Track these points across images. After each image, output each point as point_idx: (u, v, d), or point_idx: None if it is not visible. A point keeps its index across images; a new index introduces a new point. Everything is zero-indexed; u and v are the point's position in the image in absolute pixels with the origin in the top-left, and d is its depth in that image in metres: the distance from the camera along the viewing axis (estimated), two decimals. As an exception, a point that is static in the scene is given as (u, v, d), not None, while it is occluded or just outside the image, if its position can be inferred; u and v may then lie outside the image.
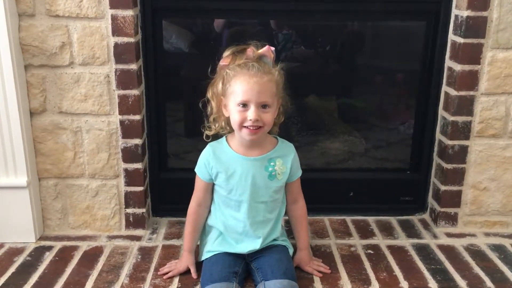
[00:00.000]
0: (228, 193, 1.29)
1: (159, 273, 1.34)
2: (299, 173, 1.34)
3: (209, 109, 1.29)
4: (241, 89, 1.18)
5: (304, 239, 1.38)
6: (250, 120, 1.18)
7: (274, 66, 1.24)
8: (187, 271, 1.34)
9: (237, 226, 1.30)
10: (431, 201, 1.67)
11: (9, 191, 1.45)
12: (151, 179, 1.63)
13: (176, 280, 1.32)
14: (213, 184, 1.31)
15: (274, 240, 1.34)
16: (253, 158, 1.27)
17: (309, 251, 1.41)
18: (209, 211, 1.35)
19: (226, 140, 1.30)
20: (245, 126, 1.20)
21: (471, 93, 1.49)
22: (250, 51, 1.22)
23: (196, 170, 1.32)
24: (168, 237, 1.55)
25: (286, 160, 1.30)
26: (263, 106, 1.19)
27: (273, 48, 1.25)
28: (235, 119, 1.21)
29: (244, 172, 1.26)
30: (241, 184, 1.27)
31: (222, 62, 1.25)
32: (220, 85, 1.23)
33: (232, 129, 1.26)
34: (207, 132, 1.30)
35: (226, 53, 1.25)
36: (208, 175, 1.29)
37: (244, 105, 1.19)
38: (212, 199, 1.34)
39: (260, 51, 1.23)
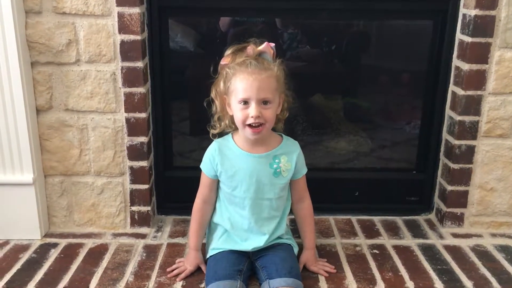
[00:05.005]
0: (233, 190, 1.29)
1: (169, 275, 1.32)
2: (304, 170, 1.34)
3: (213, 108, 1.29)
4: (241, 86, 1.19)
5: (310, 239, 1.38)
6: (252, 117, 1.18)
7: (274, 62, 1.24)
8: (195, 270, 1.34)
9: (243, 223, 1.30)
10: (437, 201, 1.67)
11: (15, 188, 1.45)
12: (156, 177, 1.63)
13: (181, 278, 1.32)
14: (218, 181, 1.32)
15: (279, 238, 1.34)
16: (258, 155, 1.27)
17: (315, 250, 1.40)
18: (214, 209, 1.35)
19: (232, 137, 1.30)
20: (248, 125, 1.21)
21: (479, 92, 1.48)
22: (250, 49, 1.23)
23: (201, 166, 1.32)
24: (173, 235, 1.55)
25: (291, 157, 1.30)
26: (264, 102, 1.20)
27: (272, 44, 1.25)
28: (237, 117, 1.21)
29: (249, 169, 1.27)
30: (246, 181, 1.27)
31: (222, 62, 1.26)
32: (222, 84, 1.25)
33: (237, 127, 1.26)
34: (212, 131, 1.30)
35: (227, 52, 1.26)
36: (213, 171, 1.29)
37: (245, 102, 1.19)
38: (217, 196, 1.34)
39: (260, 48, 1.24)
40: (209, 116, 1.32)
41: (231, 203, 1.31)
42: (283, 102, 1.27)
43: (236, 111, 1.21)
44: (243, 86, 1.19)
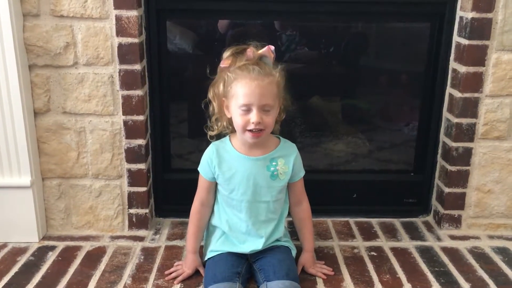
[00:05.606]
0: (230, 193, 1.29)
1: (166, 278, 1.32)
2: (301, 173, 1.34)
3: (211, 109, 1.29)
4: (242, 92, 1.18)
5: (308, 241, 1.38)
6: (253, 123, 1.18)
7: (275, 67, 1.24)
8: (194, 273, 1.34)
9: (240, 226, 1.30)
10: (434, 203, 1.67)
11: (13, 191, 1.45)
12: (155, 179, 1.63)
13: (179, 280, 1.33)
14: (216, 184, 1.32)
15: (277, 240, 1.34)
16: (255, 157, 1.27)
17: (313, 253, 1.40)
18: (212, 211, 1.35)
19: (229, 139, 1.31)
20: (248, 130, 1.20)
21: (476, 95, 1.49)
22: (250, 52, 1.22)
23: (199, 169, 1.32)
24: (171, 237, 1.55)
25: (288, 160, 1.30)
26: (265, 108, 1.19)
27: (273, 48, 1.24)
28: (237, 123, 1.21)
29: (246, 172, 1.27)
30: (243, 184, 1.27)
31: (222, 64, 1.24)
32: (221, 87, 1.24)
33: (234, 129, 1.27)
34: (210, 133, 1.30)
35: (226, 54, 1.25)
36: (211, 174, 1.30)
37: (246, 108, 1.19)
38: (215, 199, 1.34)
39: (260, 51, 1.23)
40: (206, 118, 1.32)
41: (229, 205, 1.31)
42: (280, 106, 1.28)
43: (236, 116, 1.21)
44: (245, 91, 1.18)
